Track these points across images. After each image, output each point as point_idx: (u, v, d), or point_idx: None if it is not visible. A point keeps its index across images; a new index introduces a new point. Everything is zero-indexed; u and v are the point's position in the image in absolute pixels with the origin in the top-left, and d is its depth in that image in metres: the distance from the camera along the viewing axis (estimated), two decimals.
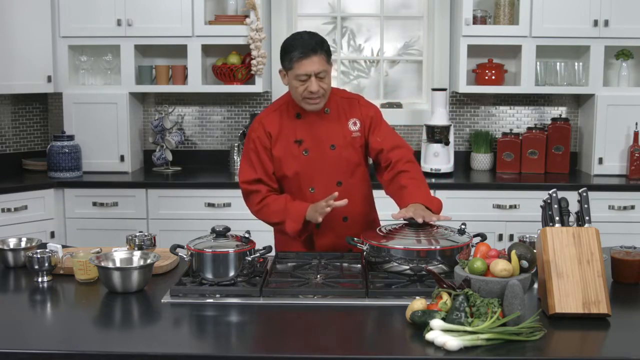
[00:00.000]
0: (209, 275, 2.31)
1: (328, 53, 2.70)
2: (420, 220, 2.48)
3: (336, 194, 2.60)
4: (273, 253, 2.55)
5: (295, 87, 2.68)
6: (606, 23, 4.34)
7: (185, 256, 2.36)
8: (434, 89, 4.60)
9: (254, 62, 4.44)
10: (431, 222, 2.53)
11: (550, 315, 2.05)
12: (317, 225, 2.76)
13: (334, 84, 4.88)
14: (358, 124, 2.80)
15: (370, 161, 2.91)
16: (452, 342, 1.83)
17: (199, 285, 2.31)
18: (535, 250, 2.17)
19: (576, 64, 4.55)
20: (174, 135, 4.69)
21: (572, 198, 2.28)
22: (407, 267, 2.36)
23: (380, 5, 4.89)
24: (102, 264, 2.34)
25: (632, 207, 4.19)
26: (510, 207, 4.22)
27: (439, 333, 1.86)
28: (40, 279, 2.43)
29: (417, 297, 2.07)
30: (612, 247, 2.50)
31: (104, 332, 2.04)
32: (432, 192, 2.77)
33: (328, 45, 2.73)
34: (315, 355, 1.85)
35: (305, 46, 2.63)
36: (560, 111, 4.82)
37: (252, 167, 2.78)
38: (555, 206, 2.23)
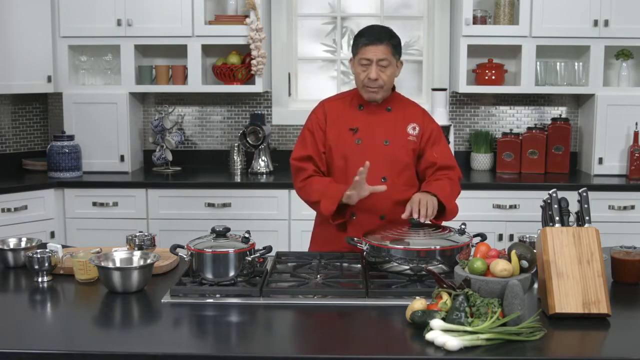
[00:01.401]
0: (209, 275, 2.31)
1: (395, 47, 2.76)
2: (407, 213, 2.56)
3: (367, 163, 2.60)
4: (273, 253, 2.55)
5: (358, 74, 2.78)
6: (606, 23, 4.34)
7: (185, 256, 2.36)
8: (434, 89, 4.60)
9: (254, 62, 4.44)
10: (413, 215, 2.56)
11: (550, 315, 2.05)
12: (353, 215, 2.79)
13: (334, 84, 4.91)
14: (417, 130, 2.84)
15: None
16: (452, 342, 1.83)
17: (199, 285, 2.31)
18: (535, 250, 2.17)
19: (576, 64, 4.55)
20: (174, 135, 4.69)
21: (572, 198, 2.28)
22: (407, 267, 2.36)
23: (380, 5, 4.89)
24: (102, 264, 2.34)
25: (632, 207, 4.19)
26: (510, 207, 4.22)
27: (439, 333, 1.86)
28: (40, 279, 2.43)
29: (417, 297, 2.07)
30: (612, 247, 2.50)
31: (104, 332, 2.04)
32: None
33: (398, 41, 2.79)
34: (315, 355, 1.85)
35: (372, 34, 2.74)
36: (560, 111, 4.82)
37: (305, 145, 2.85)
38: (555, 206, 2.23)
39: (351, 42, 2.86)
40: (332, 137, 2.82)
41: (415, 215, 2.55)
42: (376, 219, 2.78)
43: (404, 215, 2.59)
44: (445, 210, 2.69)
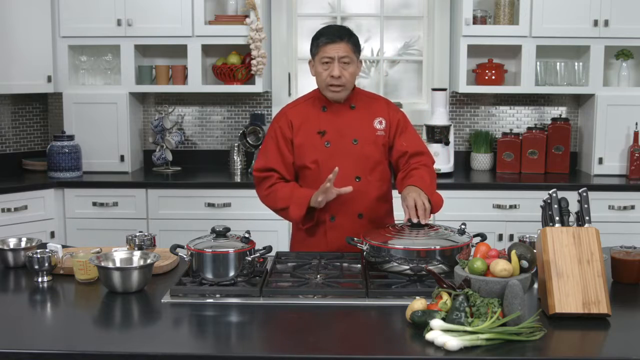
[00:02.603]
0: (209, 275, 2.31)
1: (355, 45, 2.76)
2: (407, 218, 2.53)
3: (337, 169, 2.61)
4: (273, 253, 2.55)
5: (320, 73, 2.75)
6: (606, 23, 4.35)
7: (185, 256, 2.36)
8: (434, 89, 4.60)
9: (254, 62, 4.44)
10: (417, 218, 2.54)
11: (550, 315, 2.05)
12: (332, 218, 2.79)
13: None
14: (384, 123, 2.83)
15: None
16: (452, 342, 1.83)
17: (199, 285, 2.31)
18: (535, 250, 2.17)
19: (576, 64, 4.55)
20: (174, 135, 4.69)
21: (572, 198, 2.28)
22: (407, 267, 2.36)
23: (380, 5, 4.89)
24: (102, 264, 2.34)
25: (632, 207, 4.19)
26: (510, 207, 4.22)
27: (439, 333, 1.86)
28: (40, 279, 2.43)
29: (417, 297, 2.07)
30: (612, 247, 2.50)
31: (104, 332, 2.04)
32: None
33: (357, 39, 2.80)
34: (315, 355, 1.85)
35: (332, 32, 2.73)
36: (560, 111, 4.82)
37: (267, 156, 2.83)
38: (555, 206, 2.23)
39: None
40: (301, 143, 2.80)
41: (415, 220, 2.53)
42: (355, 218, 2.79)
43: (404, 221, 2.58)
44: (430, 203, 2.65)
